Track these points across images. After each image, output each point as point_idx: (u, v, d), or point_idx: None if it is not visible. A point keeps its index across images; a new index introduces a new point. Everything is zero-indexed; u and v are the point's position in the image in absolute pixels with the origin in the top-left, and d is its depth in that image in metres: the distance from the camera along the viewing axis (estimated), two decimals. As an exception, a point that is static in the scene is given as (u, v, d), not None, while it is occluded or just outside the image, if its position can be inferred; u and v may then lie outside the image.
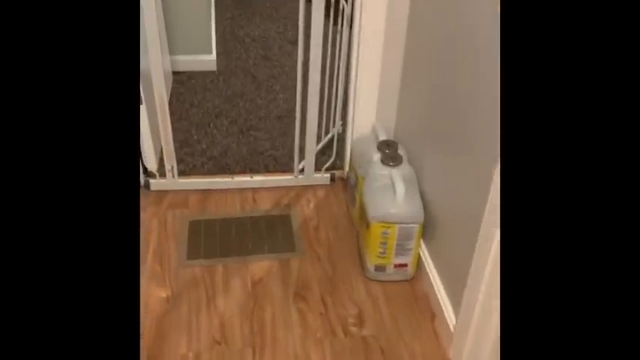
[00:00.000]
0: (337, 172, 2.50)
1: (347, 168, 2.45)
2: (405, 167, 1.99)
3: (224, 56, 3.32)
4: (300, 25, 2.08)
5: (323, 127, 2.58)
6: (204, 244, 2.15)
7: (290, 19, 3.76)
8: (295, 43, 3.50)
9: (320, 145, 2.58)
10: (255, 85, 3.09)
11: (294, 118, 2.60)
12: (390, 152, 2.03)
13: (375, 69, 2.18)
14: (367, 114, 2.30)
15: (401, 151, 2.07)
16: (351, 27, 2.15)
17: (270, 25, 3.68)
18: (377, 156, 2.03)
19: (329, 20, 2.25)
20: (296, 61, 3.27)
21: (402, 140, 2.22)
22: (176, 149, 2.57)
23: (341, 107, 2.52)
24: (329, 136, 2.66)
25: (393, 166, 1.97)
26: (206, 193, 2.39)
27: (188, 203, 2.33)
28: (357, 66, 2.18)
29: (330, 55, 2.33)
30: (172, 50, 3.11)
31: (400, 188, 1.86)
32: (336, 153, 2.53)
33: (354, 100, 2.27)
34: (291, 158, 2.56)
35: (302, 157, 2.43)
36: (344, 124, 2.54)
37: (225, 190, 2.41)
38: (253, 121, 2.83)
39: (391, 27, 2.08)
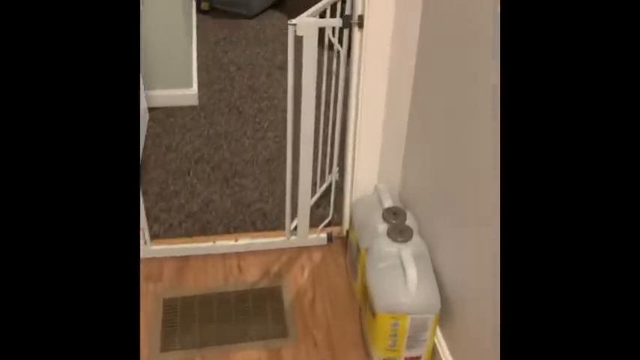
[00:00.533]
0: (335, 229, 2.15)
1: (346, 225, 2.10)
2: (415, 242, 1.64)
3: (206, 88, 2.96)
4: (289, 70, 1.72)
5: (318, 172, 2.23)
6: (181, 330, 1.79)
7: (278, 41, 3.40)
8: (284, 69, 3.14)
9: (315, 197, 2.23)
10: (240, 122, 2.73)
11: (285, 161, 2.26)
12: (397, 223, 1.68)
13: (377, 116, 1.82)
14: (369, 162, 1.94)
15: (410, 221, 1.71)
16: (347, 71, 1.80)
17: (256, 49, 3.32)
18: (382, 227, 1.68)
19: (323, 48, 1.90)
20: (285, 92, 2.92)
21: (409, 203, 1.87)
22: (151, 205, 2.22)
23: (338, 151, 2.17)
24: (325, 185, 2.30)
25: (402, 241, 1.61)
26: (184, 260, 2.03)
27: (163, 274, 1.97)
28: (356, 111, 1.82)
29: (326, 88, 1.98)
30: (148, 84, 2.75)
31: (412, 273, 1.51)
32: (334, 205, 2.18)
33: (354, 147, 1.91)
34: (282, 211, 2.21)
35: (294, 213, 2.08)
36: (341, 170, 2.20)
37: (206, 255, 2.05)
38: (239, 165, 2.47)
39: (397, 70, 1.72)
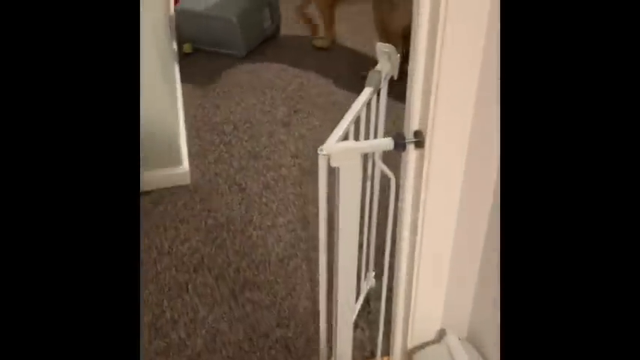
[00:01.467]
0: (381, 363, 1.63)
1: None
2: None
3: (199, 159, 2.41)
4: (321, 210, 1.18)
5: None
6: None
7: (276, 88, 2.85)
8: (288, 125, 2.60)
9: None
10: (244, 205, 2.19)
11: (303, 260, 1.75)
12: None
13: (441, 256, 1.29)
14: (428, 301, 1.41)
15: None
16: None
17: (252, 99, 2.77)
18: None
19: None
20: (294, 157, 2.35)
21: (485, 350, 1.34)
22: (144, 346, 1.68)
23: (376, 252, 1.65)
24: (360, 299, 1.77)
25: None
26: None
27: None
28: (412, 248, 1.29)
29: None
30: (128, 167, 2.20)
31: None
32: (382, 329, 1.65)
33: (410, 282, 1.39)
34: (308, 340, 1.69)
35: (330, 348, 1.55)
36: (392, 281, 1.66)
37: (220, 422, 1.53)
38: (247, 271, 1.93)
39: (470, 201, 1.19)
